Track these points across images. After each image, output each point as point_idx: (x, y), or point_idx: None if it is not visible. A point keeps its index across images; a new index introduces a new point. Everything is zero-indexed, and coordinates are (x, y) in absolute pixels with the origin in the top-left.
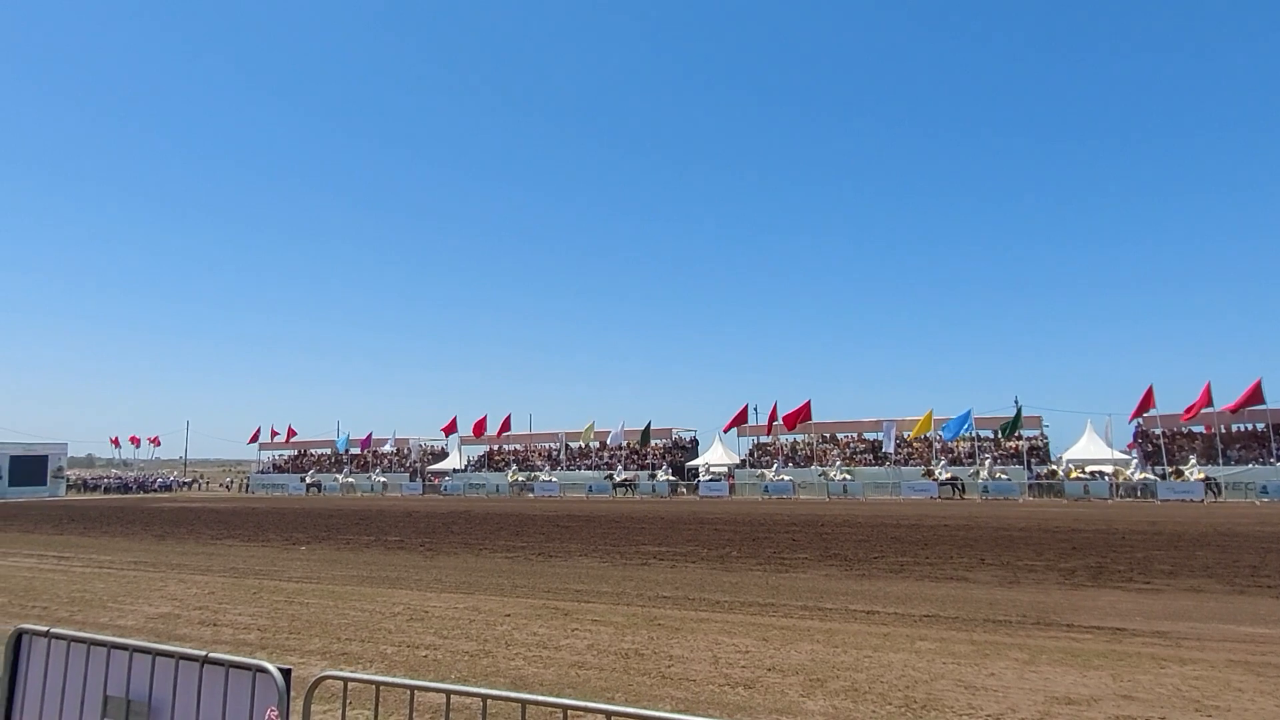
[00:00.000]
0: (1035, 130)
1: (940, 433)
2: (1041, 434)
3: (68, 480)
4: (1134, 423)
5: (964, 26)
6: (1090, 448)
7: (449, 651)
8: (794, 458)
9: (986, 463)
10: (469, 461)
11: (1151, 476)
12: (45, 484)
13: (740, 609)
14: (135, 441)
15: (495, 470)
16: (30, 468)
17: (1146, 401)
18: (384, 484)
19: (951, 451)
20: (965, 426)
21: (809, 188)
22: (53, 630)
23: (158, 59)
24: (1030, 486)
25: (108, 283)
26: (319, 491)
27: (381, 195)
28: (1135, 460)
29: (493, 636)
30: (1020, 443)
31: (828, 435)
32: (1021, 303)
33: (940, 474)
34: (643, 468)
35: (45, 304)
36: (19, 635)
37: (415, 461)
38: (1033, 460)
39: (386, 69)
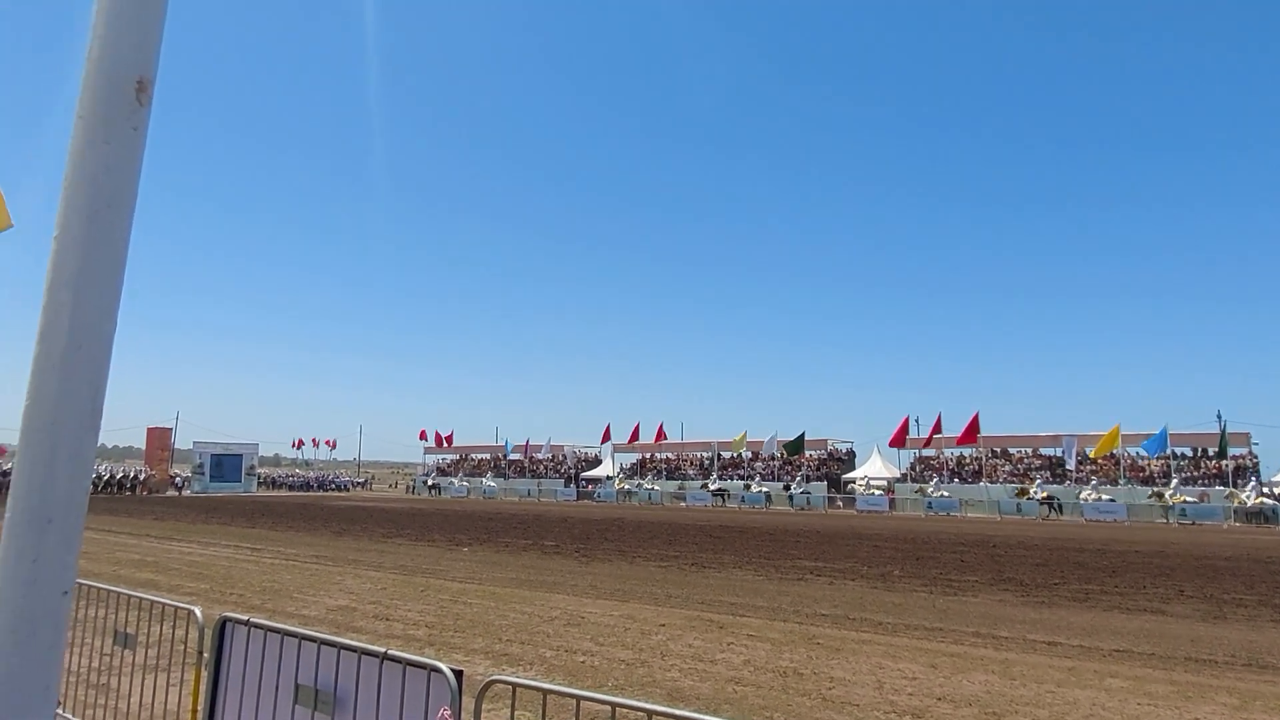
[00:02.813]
0: (1227, 130)
1: (1127, 450)
2: (1250, 453)
3: (258, 478)
4: None
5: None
6: None
7: (605, 659)
8: (960, 473)
9: (1093, 482)
10: (622, 469)
11: None
12: (240, 480)
13: (905, 632)
14: (315, 443)
15: (656, 478)
16: (228, 465)
17: None
18: (492, 488)
19: (1143, 470)
20: (1163, 443)
21: (977, 194)
22: (252, 619)
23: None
24: (1236, 511)
25: (290, 305)
26: (439, 493)
27: (536, 219)
28: None
29: (648, 646)
30: (1225, 462)
31: (998, 450)
32: (1222, 308)
33: (1036, 492)
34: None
35: (242, 324)
36: (223, 622)
37: (570, 468)
38: (1239, 482)
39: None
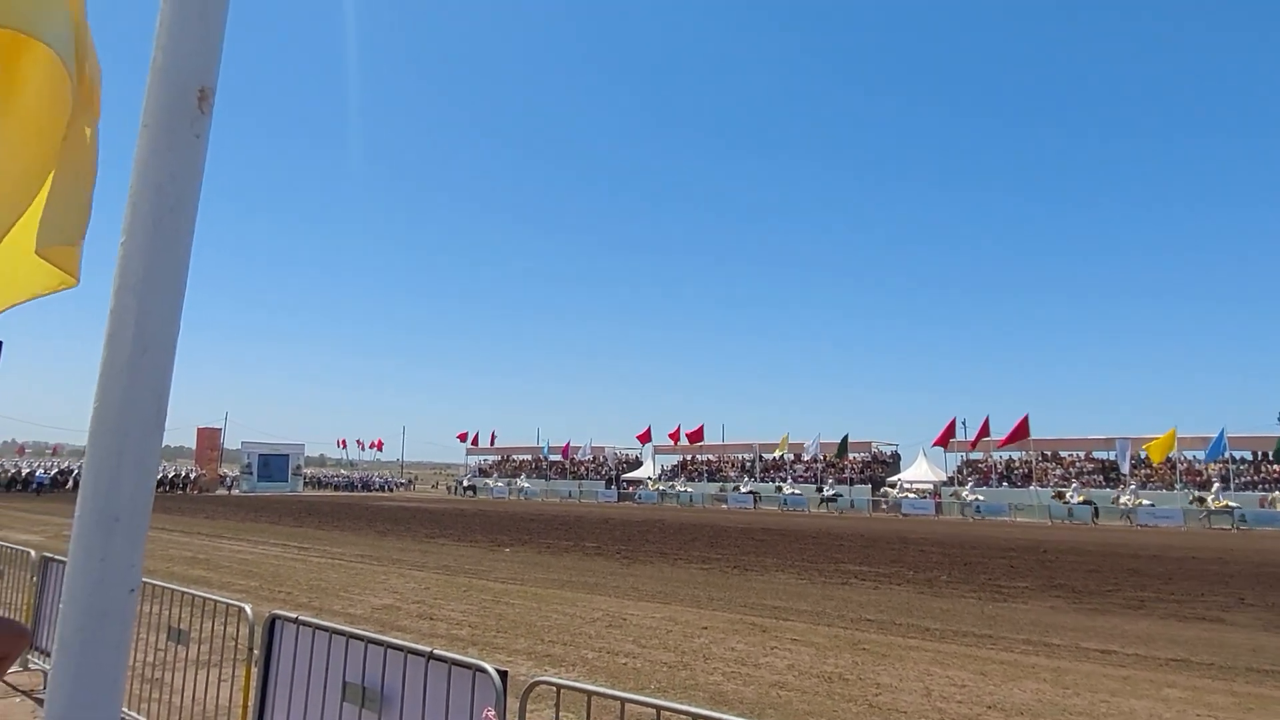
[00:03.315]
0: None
1: (1184, 454)
2: None
3: (304, 478)
4: None
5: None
6: None
7: (647, 661)
8: (1009, 476)
9: (1132, 487)
10: (663, 470)
11: None
12: (287, 480)
13: (953, 638)
14: (360, 444)
15: (689, 480)
16: (275, 465)
17: None
18: (526, 489)
19: (1200, 475)
20: (1221, 447)
21: (1031, 193)
22: (301, 617)
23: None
24: None
25: (336, 311)
26: (474, 494)
27: (576, 223)
28: None
29: (690, 649)
30: None
31: (1048, 453)
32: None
33: (1071, 496)
34: (841, 481)
35: (290, 328)
36: (273, 620)
37: (611, 469)
38: None
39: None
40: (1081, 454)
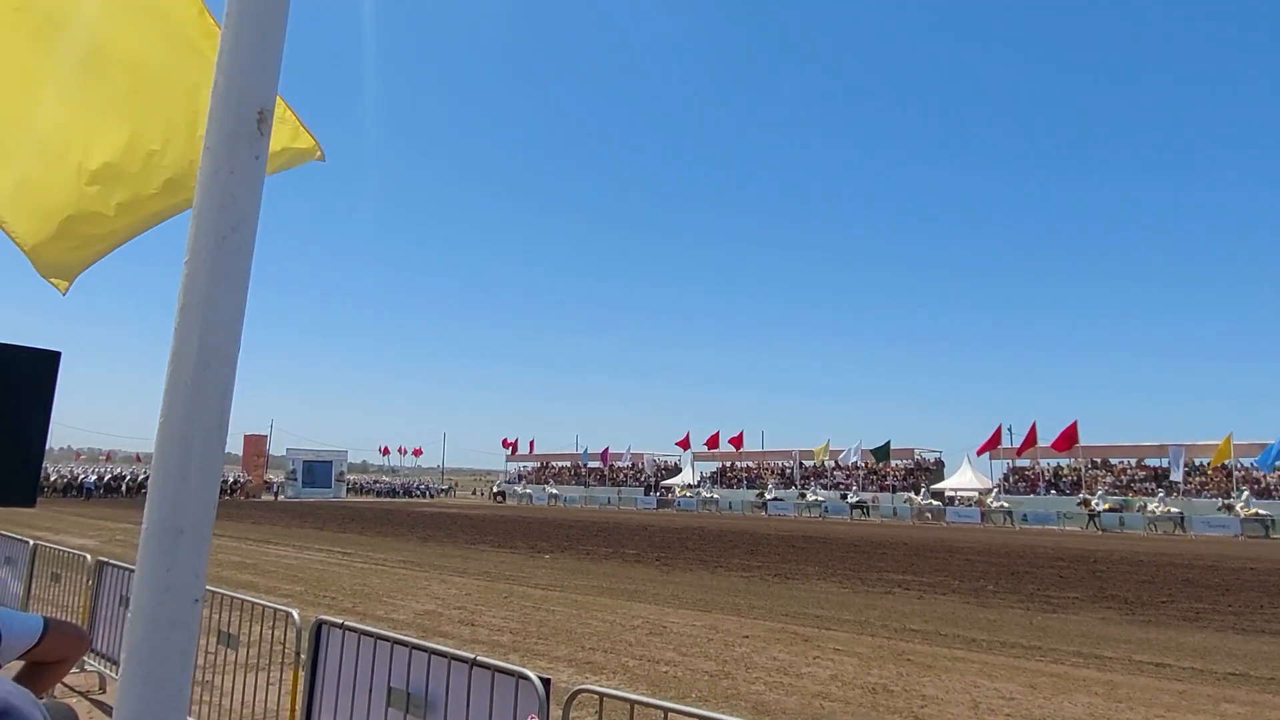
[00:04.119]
0: None
1: (1240, 461)
2: None
3: (347, 484)
4: None
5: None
6: None
7: (688, 669)
8: (1057, 484)
9: (1160, 495)
10: (702, 477)
11: None
12: (330, 486)
13: (1000, 650)
14: (401, 451)
15: (728, 487)
16: (319, 472)
17: None
18: (555, 495)
19: (1259, 483)
20: (1275, 453)
21: (1072, 213)
22: (346, 623)
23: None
24: None
25: (377, 324)
26: (504, 500)
27: (616, 236)
28: None
29: (732, 658)
30: None
31: (1098, 460)
32: None
33: (1097, 504)
34: (883, 489)
35: (334, 342)
36: (319, 625)
37: (649, 476)
38: None
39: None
40: (1133, 461)
